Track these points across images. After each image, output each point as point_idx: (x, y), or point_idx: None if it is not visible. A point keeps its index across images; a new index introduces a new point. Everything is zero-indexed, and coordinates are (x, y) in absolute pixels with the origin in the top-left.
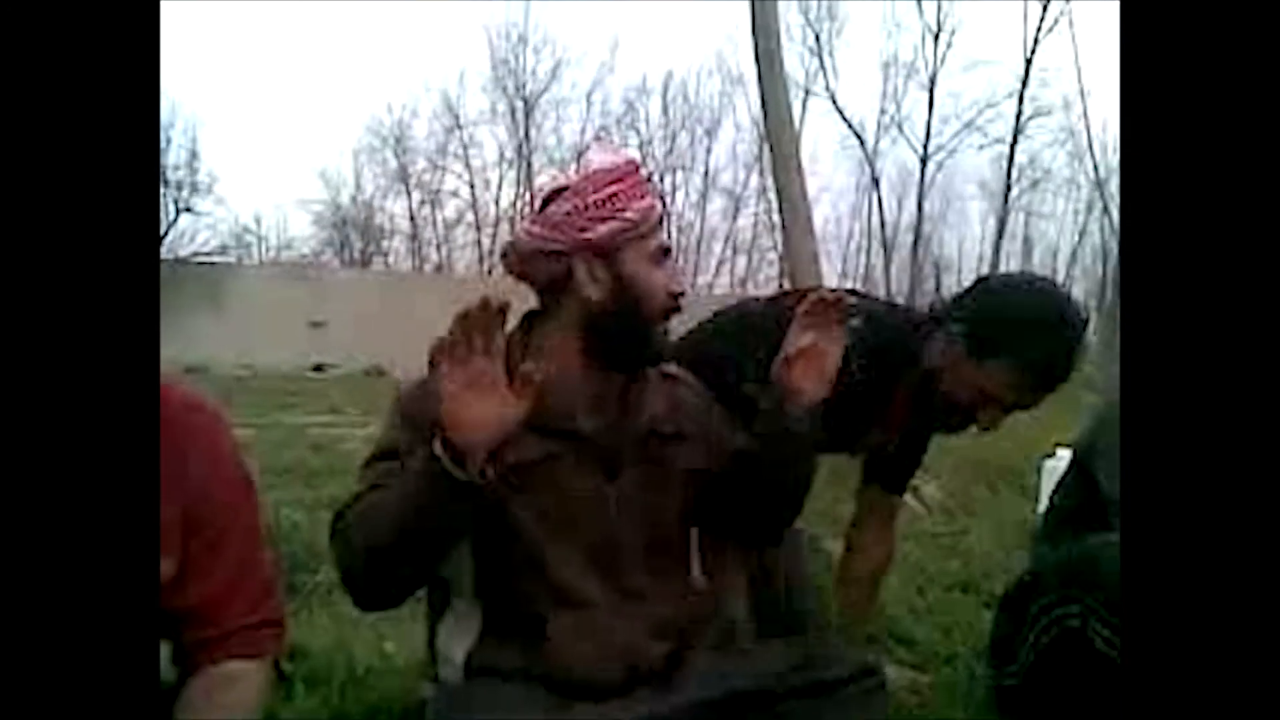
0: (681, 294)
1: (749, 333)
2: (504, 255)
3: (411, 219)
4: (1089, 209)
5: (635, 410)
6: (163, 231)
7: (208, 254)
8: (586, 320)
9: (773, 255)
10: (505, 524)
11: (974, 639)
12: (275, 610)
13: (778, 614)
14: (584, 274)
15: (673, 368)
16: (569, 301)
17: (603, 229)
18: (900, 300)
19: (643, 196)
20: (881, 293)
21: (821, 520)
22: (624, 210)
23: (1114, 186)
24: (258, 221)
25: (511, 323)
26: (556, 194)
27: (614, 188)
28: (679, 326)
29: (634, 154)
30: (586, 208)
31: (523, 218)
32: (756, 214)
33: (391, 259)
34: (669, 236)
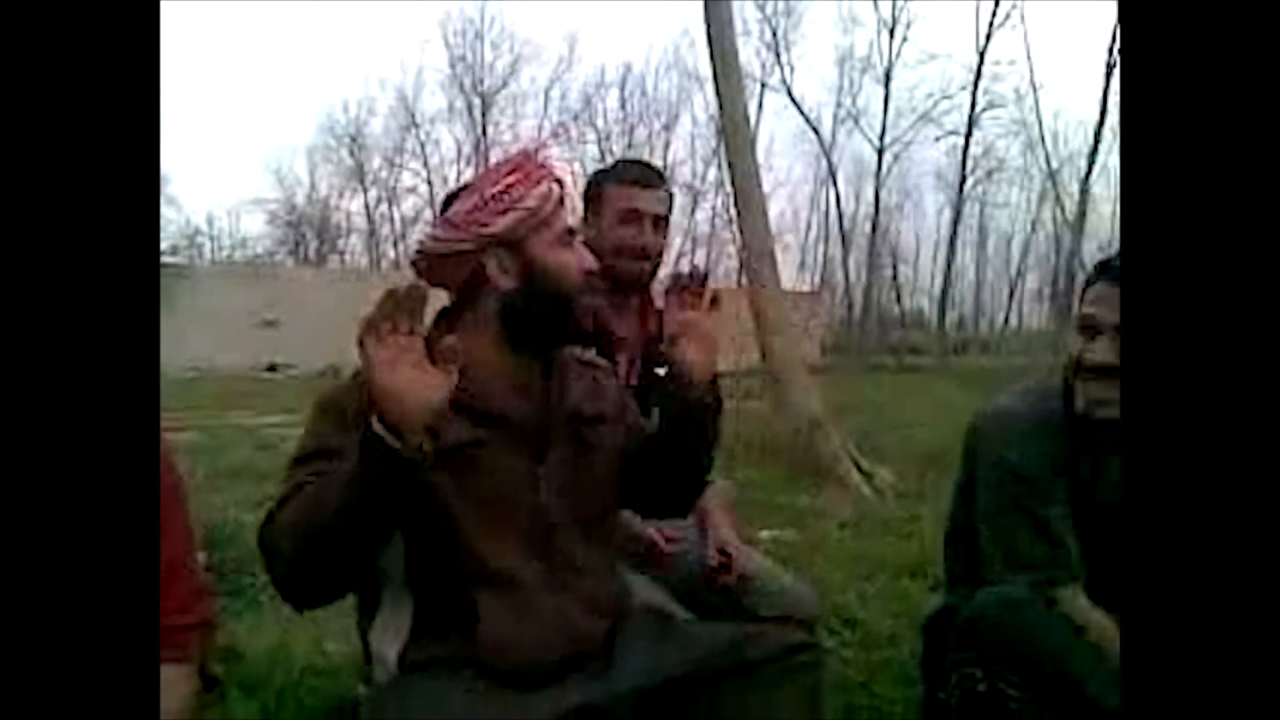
0: (593, 271)
1: None
2: (414, 262)
3: (369, 216)
4: (1041, 199)
5: (558, 394)
6: None
7: (159, 255)
8: (502, 310)
9: (731, 248)
10: (435, 510)
11: (919, 623)
12: (204, 612)
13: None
14: (494, 267)
15: (590, 354)
16: (483, 295)
17: (502, 221)
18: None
19: (539, 182)
20: (839, 282)
21: (770, 513)
22: (522, 200)
23: (1065, 176)
24: (210, 222)
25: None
26: (456, 195)
27: (510, 179)
28: None
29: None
30: (486, 203)
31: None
32: (714, 207)
33: (348, 257)
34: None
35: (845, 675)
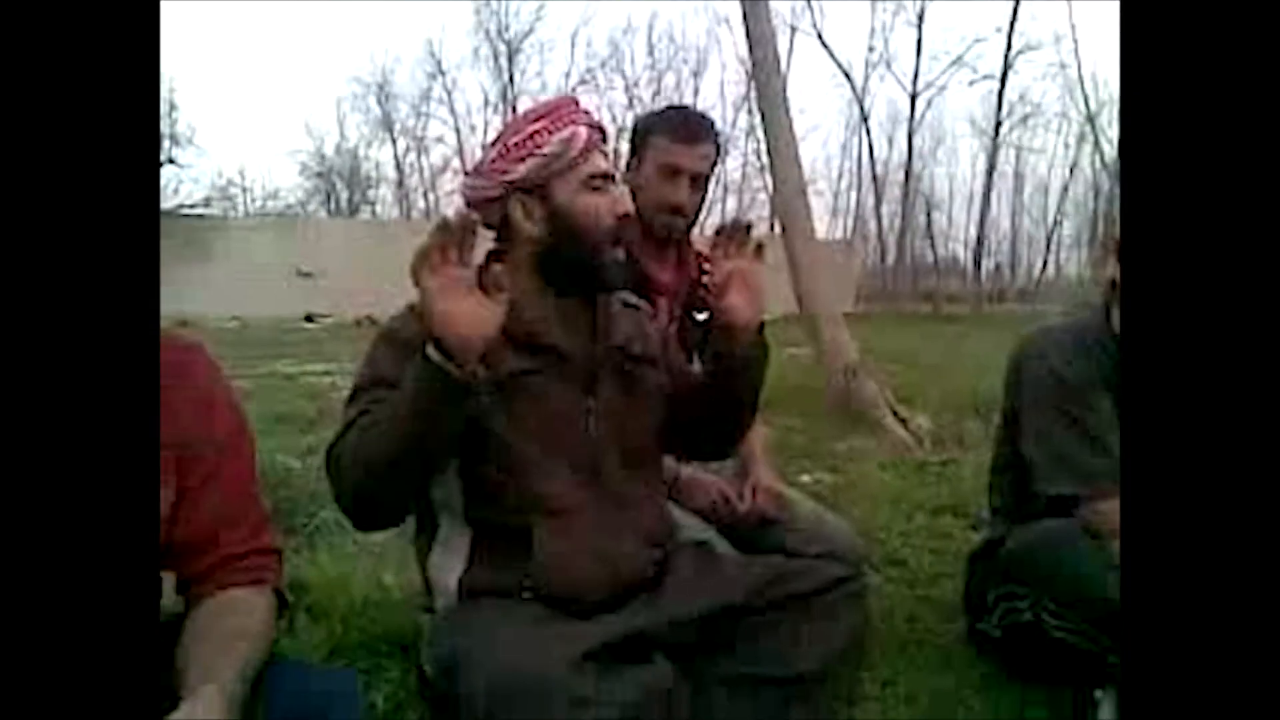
0: (627, 215)
1: None
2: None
3: (398, 167)
4: (1080, 143)
5: (605, 332)
6: None
7: (192, 206)
8: (534, 255)
9: (763, 195)
10: (490, 439)
11: (962, 560)
12: (272, 540)
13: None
14: (519, 213)
15: (632, 298)
16: (517, 239)
17: (521, 167)
18: (892, 238)
19: (563, 128)
20: (872, 230)
21: (809, 457)
22: (541, 146)
23: (1105, 119)
24: (242, 174)
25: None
26: (489, 145)
27: (536, 125)
28: None
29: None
30: (508, 150)
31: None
32: (745, 154)
33: (379, 207)
34: None
35: (890, 610)
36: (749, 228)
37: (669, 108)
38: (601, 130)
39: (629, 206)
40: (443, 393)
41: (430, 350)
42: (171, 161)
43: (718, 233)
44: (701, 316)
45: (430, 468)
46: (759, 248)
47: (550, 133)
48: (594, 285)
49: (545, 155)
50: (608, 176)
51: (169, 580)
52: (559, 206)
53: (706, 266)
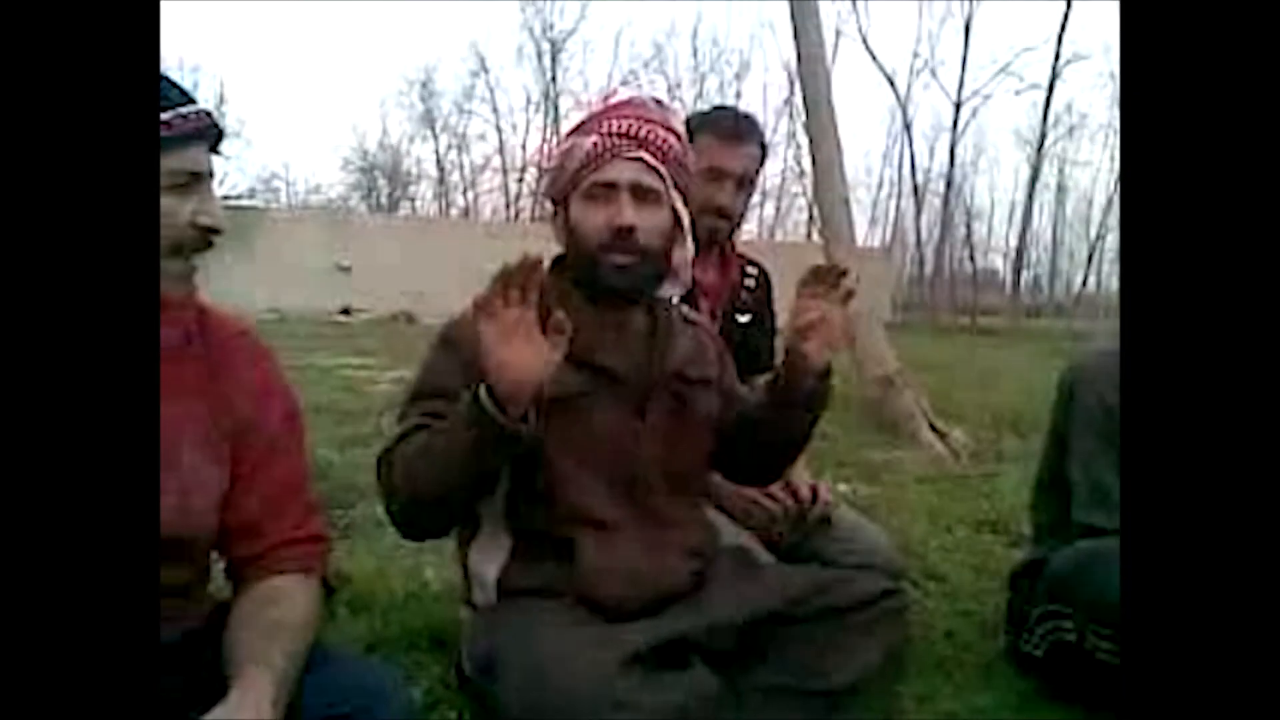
0: (625, 228)
1: None
2: None
3: (439, 163)
4: None
5: (662, 352)
6: None
7: (237, 197)
8: (563, 271)
9: (801, 201)
10: (537, 454)
11: (1003, 577)
12: (321, 528)
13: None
14: (556, 228)
15: (694, 315)
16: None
17: (544, 183)
18: (930, 248)
19: (584, 137)
20: (911, 240)
21: (845, 467)
22: (552, 160)
23: None
24: (286, 168)
25: None
26: None
27: (569, 141)
28: None
29: (661, 98)
30: (549, 169)
31: (548, 161)
32: (785, 160)
33: (419, 204)
34: None
35: (929, 625)
36: (844, 274)
37: (716, 108)
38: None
39: (629, 220)
40: (491, 439)
41: (483, 396)
42: (215, 152)
43: (812, 273)
44: (744, 319)
45: (478, 496)
46: (848, 294)
47: (573, 146)
48: (598, 292)
49: (552, 170)
50: (608, 185)
51: (219, 565)
52: (572, 219)
53: (749, 270)
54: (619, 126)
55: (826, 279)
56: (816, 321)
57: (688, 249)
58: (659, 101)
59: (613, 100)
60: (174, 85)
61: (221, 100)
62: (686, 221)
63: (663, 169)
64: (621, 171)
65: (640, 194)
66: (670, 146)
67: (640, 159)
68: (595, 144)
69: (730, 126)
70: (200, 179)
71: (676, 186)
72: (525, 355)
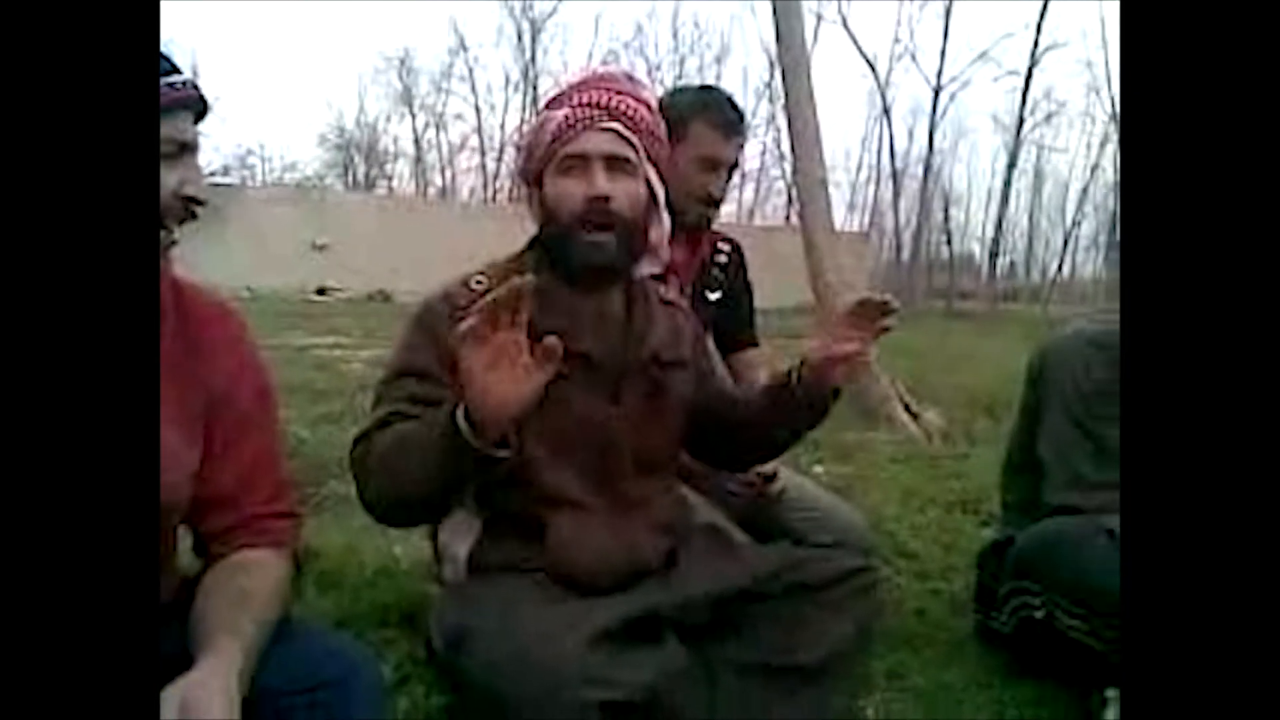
0: (600, 198)
1: None
2: None
3: (416, 142)
4: (1103, 144)
5: (639, 335)
6: None
7: (211, 174)
8: (538, 249)
9: (780, 185)
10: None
11: (973, 556)
12: (292, 504)
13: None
14: (532, 207)
15: (671, 294)
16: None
17: (518, 162)
18: (908, 233)
19: (555, 110)
20: (889, 225)
21: (820, 448)
22: (524, 137)
23: None
24: (261, 145)
25: None
26: None
27: (541, 116)
28: None
29: (641, 79)
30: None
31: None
32: (764, 143)
33: (396, 182)
34: None
35: (900, 603)
36: (889, 311)
37: (704, 88)
38: (578, 108)
39: (603, 189)
40: (466, 459)
41: (459, 418)
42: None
43: (859, 304)
44: (713, 296)
45: (451, 501)
46: (885, 330)
47: (542, 124)
48: (574, 270)
49: (525, 146)
50: (582, 157)
51: (187, 539)
52: (545, 194)
53: (721, 246)
54: (590, 98)
55: (872, 313)
56: (856, 354)
57: (664, 225)
58: (630, 76)
59: (583, 73)
60: (161, 55)
61: (195, 75)
62: (661, 194)
63: (635, 139)
64: (595, 142)
65: (614, 164)
66: (642, 117)
67: (613, 129)
68: (567, 116)
69: (727, 117)
70: (186, 149)
71: (650, 158)
72: (507, 384)
